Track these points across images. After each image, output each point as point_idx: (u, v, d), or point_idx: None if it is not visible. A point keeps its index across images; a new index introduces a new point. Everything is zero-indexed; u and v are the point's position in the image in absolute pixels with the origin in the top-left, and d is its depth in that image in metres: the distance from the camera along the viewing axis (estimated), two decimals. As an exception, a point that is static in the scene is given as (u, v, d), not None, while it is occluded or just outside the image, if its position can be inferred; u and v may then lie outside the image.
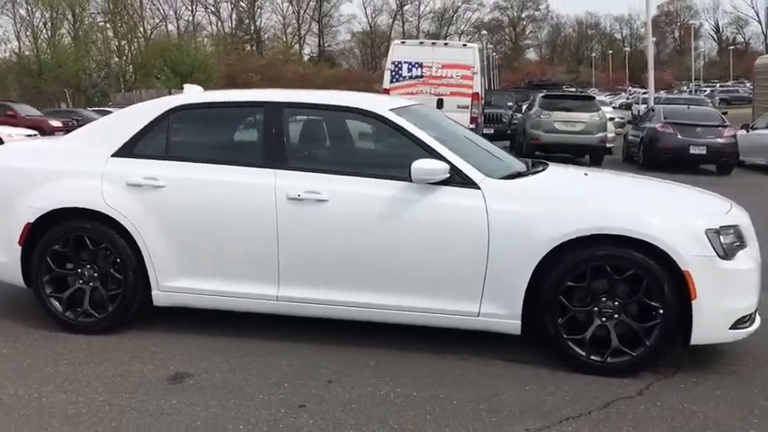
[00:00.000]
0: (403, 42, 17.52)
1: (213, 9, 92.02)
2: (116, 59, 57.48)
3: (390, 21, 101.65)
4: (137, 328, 4.79)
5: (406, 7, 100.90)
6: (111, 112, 32.71)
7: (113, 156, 4.73)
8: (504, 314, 4.27)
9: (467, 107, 15.76)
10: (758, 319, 4.41)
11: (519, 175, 4.66)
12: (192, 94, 5.10)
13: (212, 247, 4.58)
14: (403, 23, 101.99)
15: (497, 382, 4.09)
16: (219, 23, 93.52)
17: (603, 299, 4.16)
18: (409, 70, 15.91)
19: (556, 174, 4.89)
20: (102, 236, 4.67)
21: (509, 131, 22.20)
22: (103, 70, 51.47)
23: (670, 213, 4.21)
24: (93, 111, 32.89)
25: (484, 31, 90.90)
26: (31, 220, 4.72)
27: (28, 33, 68.05)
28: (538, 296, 4.21)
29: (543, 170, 4.87)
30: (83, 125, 22.54)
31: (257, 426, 3.54)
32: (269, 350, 4.50)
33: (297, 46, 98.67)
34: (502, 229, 4.21)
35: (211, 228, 4.55)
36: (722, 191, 5.38)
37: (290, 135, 4.63)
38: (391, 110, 4.58)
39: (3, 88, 50.27)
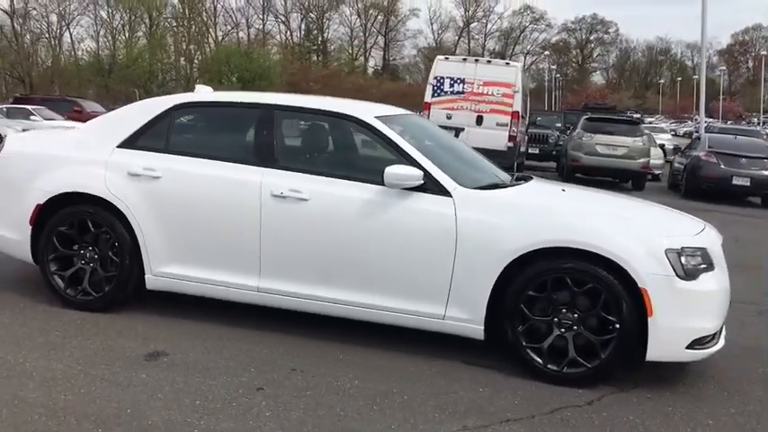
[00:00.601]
0: (447, 58, 17.70)
1: (283, 18, 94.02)
2: (183, 62, 59.16)
3: (456, 38, 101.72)
4: (130, 309, 5.10)
5: (472, 25, 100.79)
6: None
7: (118, 147, 5.07)
8: (468, 319, 4.43)
9: (506, 125, 15.83)
10: (722, 341, 4.47)
11: (496, 186, 4.82)
12: (197, 93, 5.42)
13: (200, 236, 4.87)
14: (469, 41, 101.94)
15: (454, 383, 4.25)
16: (288, 33, 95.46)
17: (563, 310, 4.29)
18: (451, 85, 16.09)
19: (533, 188, 5.04)
20: (103, 220, 5.01)
21: (554, 152, 22.11)
22: (169, 73, 53.04)
23: (633, 232, 4.31)
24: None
25: (546, 52, 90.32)
26: (41, 202, 5.09)
27: (106, 34, 70.78)
28: (501, 303, 4.35)
29: (523, 184, 5.02)
30: None
31: (212, 402, 3.78)
32: (247, 337, 4.75)
33: (362, 58, 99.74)
34: (469, 236, 4.38)
35: (200, 219, 4.85)
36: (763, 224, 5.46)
37: (279, 136, 4.89)
38: (377, 117, 4.80)
39: (81, 85, 52.41)
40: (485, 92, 15.89)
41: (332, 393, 4.00)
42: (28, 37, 62.44)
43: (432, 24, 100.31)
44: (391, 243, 4.51)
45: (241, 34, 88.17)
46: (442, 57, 17.54)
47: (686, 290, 4.17)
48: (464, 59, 17.31)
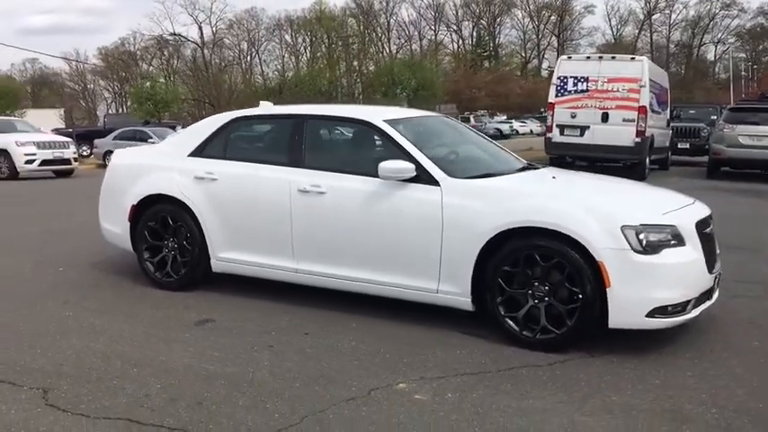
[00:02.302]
0: (569, 57, 17.83)
1: (455, 28, 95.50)
2: (354, 77, 62.07)
3: (636, 32, 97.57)
4: (199, 289, 6.22)
5: (654, 17, 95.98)
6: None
7: (189, 155, 6.23)
8: (458, 292, 5.08)
9: (632, 120, 15.74)
10: (693, 312, 4.79)
11: (488, 175, 5.40)
12: (258, 108, 6.48)
13: (248, 227, 5.90)
14: (651, 34, 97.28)
15: (438, 346, 4.91)
16: (460, 41, 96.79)
17: (536, 283, 4.82)
18: (575, 84, 16.25)
19: (524, 176, 5.58)
20: (178, 216, 6.18)
21: (707, 146, 21.26)
22: (336, 89, 55.87)
23: (594, 212, 4.74)
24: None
25: (731, 39, 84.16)
26: (134, 203, 6.36)
27: (290, 56, 75.92)
28: (482, 278, 4.97)
29: (520, 173, 5.59)
30: None
31: (228, 354, 4.73)
32: (280, 310, 5.69)
33: (535, 60, 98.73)
34: (453, 219, 5.03)
35: (247, 212, 5.87)
36: None
37: (307, 141, 5.79)
38: (385, 120, 5.57)
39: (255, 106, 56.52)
40: (610, 89, 15.91)
41: (328, 351, 4.82)
42: (219, 62, 68.50)
43: (609, 20, 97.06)
44: (390, 227, 5.26)
45: (414, 46, 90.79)
46: (565, 57, 17.73)
47: (643, 263, 4.56)
48: (588, 57, 17.39)
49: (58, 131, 31.06)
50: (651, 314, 4.60)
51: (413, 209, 5.19)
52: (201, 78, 64.50)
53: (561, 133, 16.54)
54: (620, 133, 15.69)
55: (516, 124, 54.90)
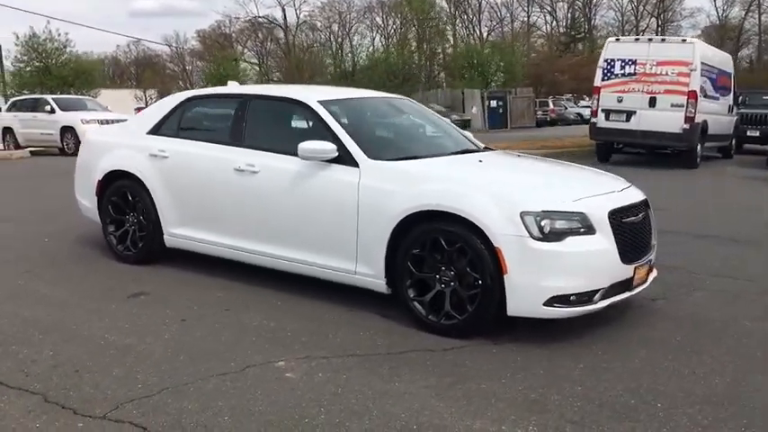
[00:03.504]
0: (618, 39, 17.16)
1: (549, 9, 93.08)
2: (422, 61, 61.37)
3: (742, 13, 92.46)
4: (163, 264, 6.42)
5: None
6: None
7: (148, 133, 6.43)
8: (372, 274, 5.06)
9: (681, 106, 15.05)
10: (602, 303, 4.62)
11: (415, 158, 5.33)
12: (217, 88, 6.60)
13: (194, 204, 6.04)
14: (759, 15, 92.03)
15: (345, 327, 4.91)
16: (554, 23, 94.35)
17: (443, 268, 4.75)
18: (622, 68, 15.67)
19: (451, 160, 5.48)
20: (136, 192, 6.39)
21: (780, 134, 20.17)
22: (412, 72, 55.52)
23: (497, 197, 4.60)
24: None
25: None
26: (100, 178, 6.62)
27: (381, 39, 75.91)
28: (395, 261, 4.94)
29: (452, 156, 5.51)
30: None
31: (137, 327, 4.88)
32: (216, 285, 5.84)
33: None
34: (367, 202, 5.01)
35: (193, 190, 6.02)
36: None
37: (248, 120, 5.87)
38: (319, 101, 5.57)
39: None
40: (658, 72, 15.27)
41: (234, 327, 4.90)
42: (308, 44, 69.20)
43: (714, 0, 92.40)
44: (313, 208, 5.29)
45: (505, 29, 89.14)
46: (612, 38, 17.09)
47: (543, 250, 4.43)
48: (637, 39, 16.75)
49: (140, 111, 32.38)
50: (549, 303, 4.46)
51: (333, 190, 5.19)
52: (288, 60, 65.54)
53: (606, 118, 16.00)
54: (668, 119, 15.05)
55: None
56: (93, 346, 4.53)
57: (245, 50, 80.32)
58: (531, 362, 4.34)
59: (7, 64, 33.73)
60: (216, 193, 5.83)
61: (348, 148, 5.20)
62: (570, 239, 4.50)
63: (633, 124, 15.53)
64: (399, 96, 6.86)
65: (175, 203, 6.13)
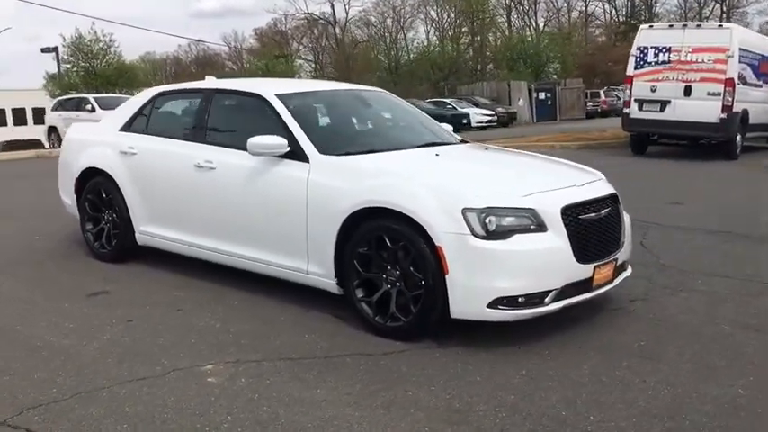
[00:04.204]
0: (651, 26, 16.44)
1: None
2: (470, 53, 60.38)
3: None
4: (137, 262, 6.35)
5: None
6: (446, 102, 35.34)
7: (120, 130, 6.35)
8: (324, 273, 4.86)
9: (718, 94, 14.34)
10: (554, 305, 4.33)
11: (371, 152, 5.10)
12: (188, 83, 6.48)
13: (160, 201, 5.94)
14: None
15: (291, 329, 4.72)
16: (613, 12, 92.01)
17: (389, 267, 4.53)
18: (655, 55, 15.03)
19: (408, 154, 5.20)
20: (109, 190, 6.33)
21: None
22: (458, 65, 54.72)
23: (441, 192, 4.32)
24: (431, 102, 35.84)
25: None
26: (77, 176, 6.59)
27: (435, 33, 75.11)
28: (343, 260, 4.73)
29: (415, 149, 5.27)
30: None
31: (82, 327, 4.80)
32: (174, 283, 5.76)
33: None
34: (316, 199, 4.81)
35: (158, 187, 5.92)
36: None
37: (210, 115, 5.72)
38: (277, 94, 5.39)
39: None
40: (694, 59, 14.60)
41: (178, 329, 4.76)
42: (360, 40, 68.95)
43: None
44: (266, 204, 5.11)
45: (562, 19, 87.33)
46: (645, 25, 16.42)
47: (485, 249, 4.15)
48: (671, 26, 16.04)
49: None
50: (493, 305, 4.19)
51: (283, 186, 5.01)
52: (338, 55, 65.54)
53: (640, 108, 15.38)
54: (704, 108, 14.37)
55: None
56: (28, 347, 4.46)
57: (301, 47, 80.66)
58: (472, 368, 4.08)
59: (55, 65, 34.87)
60: (178, 190, 5.72)
61: (300, 143, 5.01)
62: (518, 237, 4.22)
63: (668, 114, 14.89)
64: (373, 89, 6.63)
65: (144, 201, 6.05)
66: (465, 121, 33.49)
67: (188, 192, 5.62)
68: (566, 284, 4.34)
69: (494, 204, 4.23)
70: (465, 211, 4.19)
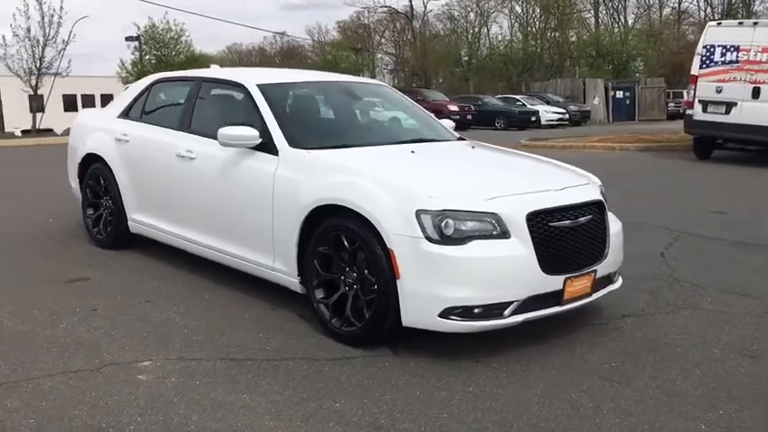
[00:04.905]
0: (719, 24, 15.50)
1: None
2: (547, 49, 58.70)
3: None
4: (133, 249, 6.32)
5: None
6: (516, 99, 34.59)
7: (118, 117, 6.31)
8: (287, 271, 4.66)
9: (789, 97, 13.42)
10: (514, 318, 4.01)
11: (344, 146, 4.85)
12: (184, 71, 6.40)
13: (147, 189, 5.87)
14: None
15: (250, 327, 4.55)
16: (708, 9, 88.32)
17: (347, 269, 4.29)
18: (722, 55, 14.16)
19: (381, 150, 4.92)
20: (106, 176, 6.30)
21: None
22: (536, 61, 53.34)
23: (398, 192, 4.03)
24: (501, 98, 35.16)
25: None
26: (79, 161, 6.60)
27: (520, 28, 73.59)
28: (304, 258, 4.52)
29: (394, 145, 5.00)
30: (479, 111, 25.43)
31: (46, 314, 4.75)
32: (157, 274, 5.68)
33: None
34: (280, 193, 4.61)
35: (146, 176, 5.84)
36: None
37: (197, 104, 5.59)
38: (258, 84, 5.20)
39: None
40: (764, 59, 13.69)
41: (138, 320, 4.66)
42: (440, 34, 68.26)
43: None
44: (237, 197, 4.95)
45: (653, 16, 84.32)
46: (713, 23, 15.51)
47: (438, 254, 3.86)
48: (740, 23, 15.02)
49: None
50: (445, 314, 3.89)
51: (252, 179, 4.83)
52: (416, 49, 65.10)
53: (704, 110, 14.54)
54: (775, 113, 13.46)
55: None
56: (-17, 332, 4.43)
57: (383, 40, 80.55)
58: (417, 380, 3.80)
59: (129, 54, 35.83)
60: (162, 179, 5.63)
61: (272, 135, 4.82)
62: (476, 243, 3.91)
63: (733, 117, 14.03)
64: (372, 81, 6.39)
65: (135, 189, 6.00)
66: (533, 119, 32.72)
67: (170, 181, 5.52)
68: (529, 296, 4.01)
69: (451, 207, 3.93)
70: (419, 212, 3.91)
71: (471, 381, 3.81)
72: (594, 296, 4.42)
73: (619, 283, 4.77)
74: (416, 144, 5.16)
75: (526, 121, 32.31)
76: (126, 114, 6.27)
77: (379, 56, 75.47)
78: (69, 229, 7.36)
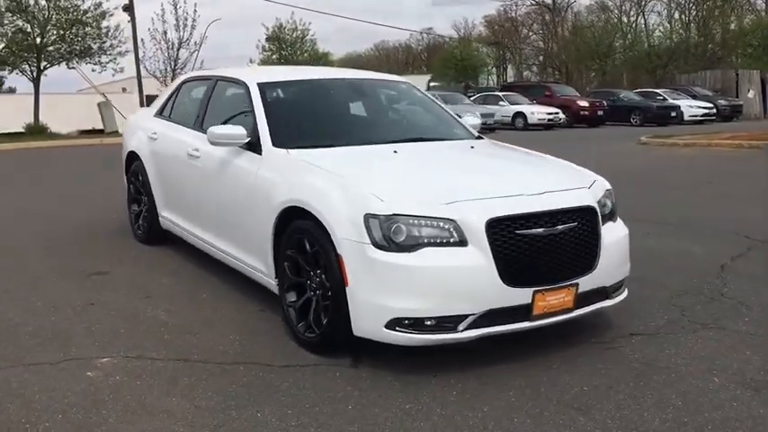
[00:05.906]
0: None
1: None
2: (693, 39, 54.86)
3: None
4: (168, 246, 6.47)
5: None
6: (656, 93, 32.62)
7: (154, 116, 6.48)
8: (267, 273, 4.57)
9: None
10: (469, 333, 3.71)
11: (330, 146, 4.68)
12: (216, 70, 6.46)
13: (170, 187, 5.98)
14: None
15: (224, 329, 4.47)
16: None
17: (311, 273, 4.14)
18: None
19: (364, 150, 4.68)
20: (142, 173, 6.49)
21: None
22: (672, 50, 49.95)
23: (354, 194, 3.79)
24: (639, 92, 33.34)
25: None
26: (124, 159, 6.85)
27: (680, 17, 69.41)
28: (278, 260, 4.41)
29: (383, 144, 4.78)
30: (612, 106, 24.68)
31: (48, 306, 4.94)
32: (177, 273, 5.74)
33: None
34: (259, 194, 4.51)
35: (169, 173, 5.95)
36: None
37: (211, 103, 5.61)
38: (260, 82, 5.13)
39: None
40: None
41: (125, 316, 4.72)
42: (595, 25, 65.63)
43: None
44: (227, 196, 4.93)
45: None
46: None
47: (383, 261, 3.63)
48: None
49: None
50: (391, 326, 3.65)
51: (239, 178, 4.78)
52: (561, 42, 63.19)
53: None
54: None
55: None
56: (-16, 320, 4.66)
57: (531, 34, 78.67)
58: (356, 394, 3.59)
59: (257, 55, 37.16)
60: (177, 176, 5.73)
61: (259, 134, 4.74)
62: (429, 251, 3.64)
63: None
64: (387, 77, 6.11)
65: (161, 185, 6.14)
66: (674, 114, 30.77)
67: (183, 179, 5.61)
68: (489, 310, 3.68)
69: (402, 212, 3.67)
70: (368, 216, 3.68)
71: (414, 398, 3.55)
72: (579, 312, 4.00)
73: (620, 297, 4.31)
74: (409, 144, 4.89)
75: (665, 117, 30.43)
76: (160, 113, 6.43)
77: (527, 50, 73.91)
78: (117, 224, 7.64)
